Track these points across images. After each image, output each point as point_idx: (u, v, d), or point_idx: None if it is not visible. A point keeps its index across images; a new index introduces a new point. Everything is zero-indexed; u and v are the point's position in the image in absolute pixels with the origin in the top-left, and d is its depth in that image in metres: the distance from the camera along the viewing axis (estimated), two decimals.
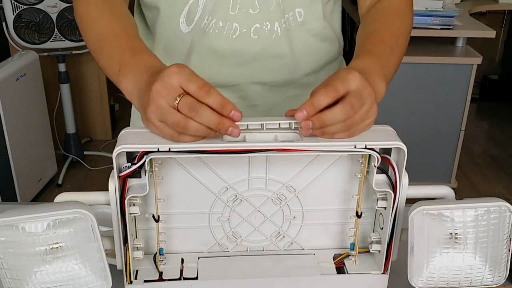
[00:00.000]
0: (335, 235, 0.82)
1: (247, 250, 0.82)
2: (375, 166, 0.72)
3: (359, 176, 0.76)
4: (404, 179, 0.73)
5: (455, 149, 2.76)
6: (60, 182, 2.93)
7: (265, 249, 0.82)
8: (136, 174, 0.70)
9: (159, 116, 0.68)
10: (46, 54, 2.78)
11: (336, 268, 0.80)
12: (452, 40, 2.70)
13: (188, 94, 0.67)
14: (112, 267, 0.73)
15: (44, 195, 2.82)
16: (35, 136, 2.70)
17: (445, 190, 0.77)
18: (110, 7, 0.88)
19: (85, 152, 3.11)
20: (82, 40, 2.72)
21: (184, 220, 0.79)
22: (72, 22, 2.65)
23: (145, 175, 0.71)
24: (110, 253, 0.75)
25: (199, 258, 0.80)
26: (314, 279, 0.78)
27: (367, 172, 0.75)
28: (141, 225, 0.78)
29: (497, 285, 0.76)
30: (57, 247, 0.69)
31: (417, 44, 2.54)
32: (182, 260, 0.80)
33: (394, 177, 0.72)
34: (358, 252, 0.80)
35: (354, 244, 0.80)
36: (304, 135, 0.70)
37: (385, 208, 0.76)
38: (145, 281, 0.76)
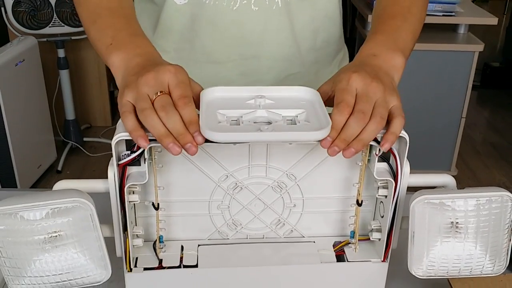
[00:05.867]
0: (335, 223, 0.82)
1: (247, 238, 0.81)
2: (376, 155, 0.72)
3: (360, 164, 0.76)
4: (405, 167, 0.72)
5: (456, 137, 2.76)
6: (59, 168, 2.93)
7: (265, 237, 0.82)
8: (135, 162, 0.70)
9: (133, 98, 0.68)
10: (45, 39, 2.77)
11: (336, 256, 0.80)
12: (453, 27, 2.68)
13: (170, 96, 0.67)
14: (112, 254, 0.73)
15: (43, 181, 2.82)
16: (34, 122, 2.69)
17: (447, 179, 0.77)
18: None
19: (84, 139, 3.10)
20: (81, 26, 2.68)
21: (184, 207, 0.79)
22: (71, 7, 2.63)
23: (145, 163, 0.70)
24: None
25: (199, 245, 0.80)
26: (314, 267, 0.78)
27: (368, 160, 0.75)
28: (140, 212, 0.78)
29: (497, 274, 0.75)
30: (56, 236, 0.69)
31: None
32: (182, 248, 0.79)
33: (395, 166, 0.72)
34: (358, 240, 0.80)
35: (354, 232, 0.80)
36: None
37: (385, 196, 0.75)
38: (144, 268, 0.76)
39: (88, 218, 0.68)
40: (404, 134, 0.69)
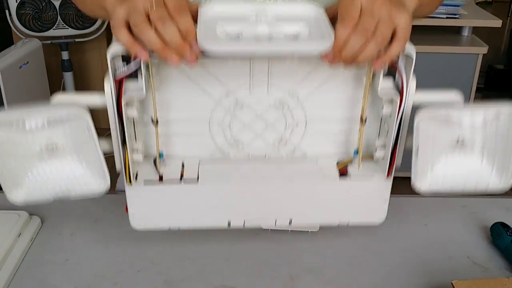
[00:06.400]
0: (339, 143, 0.81)
1: (249, 157, 0.80)
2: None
3: (364, 80, 0.74)
4: (412, 84, 0.70)
5: None
6: None
7: (267, 156, 0.80)
8: (132, 77, 0.68)
9: (126, 12, 0.65)
10: (49, 42, 2.78)
11: (339, 174, 0.78)
12: (457, 29, 2.68)
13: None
14: (113, 172, 0.73)
15: None
16: None
17: (454, 96, 0.75)
18: None
19: None
20: (85, 28, 2.72)
21: (184, 126, 0.77)
22: (75, 10, 2.65)
23: (142, 77, 0.69)
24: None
25: (200, 163, 0.79)
26: (316, 184, 0.77)
27: (373, 76, 0.73)
28: (140, 129, 0.76)
29: (503, 190, 0.74)
30: (53, 148, 0.68)
31: (422, 33, 2.53)
32: (183, 165, 0.78)
33: (401, 81, 0.70)
34: (362, 159, 0.78)
35: (357, 150, 0.78)
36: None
37: (390, 115, 0.73)
38: (145, 182, 0.75)
39: (84, 129, 0.67)
40: (410, 48, 0.67)
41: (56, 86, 2.94)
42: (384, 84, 0.72)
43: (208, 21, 0.67)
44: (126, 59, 0.68)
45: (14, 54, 2.47)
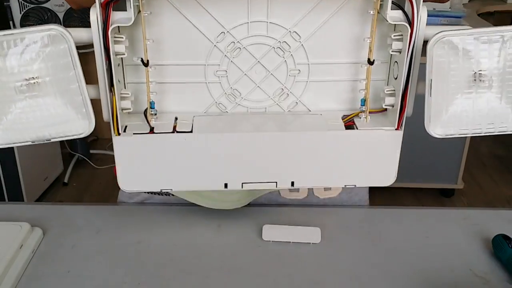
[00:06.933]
0: (345, 95, 0.75)
1: (247, 111, 0.74)
2: None
3: (371, 13, 0.68)
4: (422, 14, 0.65)
5: (462, 150, 2.73)
6: (66, 180, 2.92)
7: (267, 111, 0.75)
8: (120, 5, 0.63)
9: None
10: None
11: (346, 127, 0.73)
12: None
13: None
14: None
15: (50, 193, 2.81)
16: None
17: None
18: None
19: (91, 151, 3.11)
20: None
21: (177, 73, 0.72)
22: (80, 21, 2.66)
23: (131, 7, 0.63)
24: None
25: (194, 116, 0.73)
26: (321, 135, 0.71)
27: (381, 6, 0.67)
28: (130, 77, 0.71)
29: None
30: (33, 83, 0.63)
31: (425, 45, 2.52)
32: (176, 119, 0.73)
33: (411, 9, 0.64)
34: (370, 112, 0.73)
35: (365, 100, 0.72)
36: None
37: (400, 52, 0.68)
38: (134, 133, 0.69)
39: (66, 53, 0.62)
40: None
41: None
42: (393, 14, 0.66)
43: None
44: None
45: None
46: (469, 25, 2.56)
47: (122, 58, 0.68)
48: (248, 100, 0.74)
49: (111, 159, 3.22)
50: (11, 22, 2.62)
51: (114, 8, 0.63)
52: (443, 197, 2.89)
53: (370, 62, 0.70)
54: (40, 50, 0.62)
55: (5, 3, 2.59)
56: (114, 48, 0.65)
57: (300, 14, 0.69)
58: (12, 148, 2.41)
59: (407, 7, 0.66)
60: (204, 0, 0.68)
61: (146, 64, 0.68)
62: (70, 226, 0.92)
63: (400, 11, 0.66)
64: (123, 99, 0.69)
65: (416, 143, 2.67)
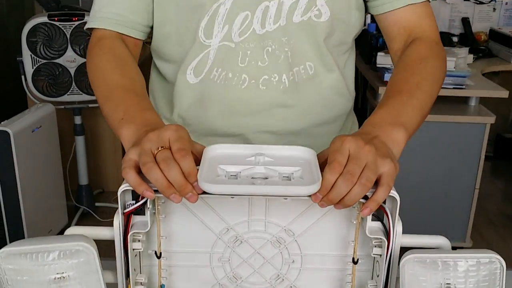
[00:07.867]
0: (334, 281, 0.83)
1: None
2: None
3: (355, 222, 0.78)
4: (398, 227, 0.74)
5: (470, 208, 2.73)
6: None
7: None
8: (140, 211, 0.74)
9: (136, 154, 0.73)
10: (62, 106, 2.82)
11: None
12: (465, 99, 2.71)
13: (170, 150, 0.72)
14: None
15: None
16: (47, 187, 2.71)
17: (441, 240, 0.78)
18: (122, 64, 0.95)
19: (96, 204, 3.11)
20: None
21: (186, 258, 0.81)
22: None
23: (148, 213, 0.74)
24: None
25: None
26: None
27: (362, 219, 0.77)
28: (145, 261, 0.81)
29: None
30: (63, 277, 0.73)
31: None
32: None
33: (388, 225, 0.74)
34: None
35: None
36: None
37: (380, 255, 0.77)
38: None
39: (91, 261, 0.72)
40: (394, 194, 0.72)
41: (67, 148, 2.97)
42: (373, 226, 0.75)
43: (211, 161, 0.74)
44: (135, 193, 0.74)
45: (27, 118, 2.50)
46: (474, 84, 2.59)
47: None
48: (248, 282, 0.83)
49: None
50: (23, 77, 2.66)
51: (133, 212, 0.74)
52: None
53: (355, 262, 0.80)
54: (70, 257, 0.72)
55: (17, 58, 2.64)
56: (132, 245, 0.75)
57: (293, 214, 0.79)
58: (18, 200, 2.43)
59: (385, 218, 0.75)
60: (211, 200, 0.78)
61: (159, 257, 0.79)
62: None
63: (379, 222, 0.76)
64: (137, 284, 0.79)
65: (424, 201, 2.69)
